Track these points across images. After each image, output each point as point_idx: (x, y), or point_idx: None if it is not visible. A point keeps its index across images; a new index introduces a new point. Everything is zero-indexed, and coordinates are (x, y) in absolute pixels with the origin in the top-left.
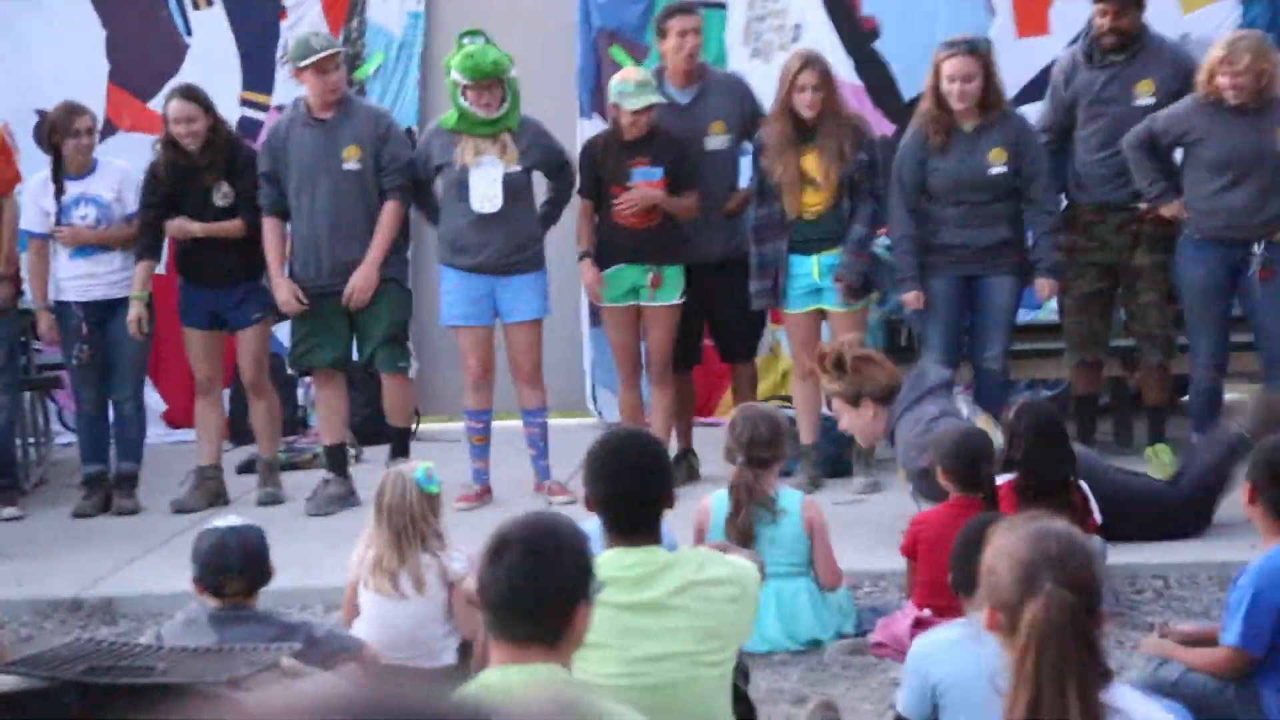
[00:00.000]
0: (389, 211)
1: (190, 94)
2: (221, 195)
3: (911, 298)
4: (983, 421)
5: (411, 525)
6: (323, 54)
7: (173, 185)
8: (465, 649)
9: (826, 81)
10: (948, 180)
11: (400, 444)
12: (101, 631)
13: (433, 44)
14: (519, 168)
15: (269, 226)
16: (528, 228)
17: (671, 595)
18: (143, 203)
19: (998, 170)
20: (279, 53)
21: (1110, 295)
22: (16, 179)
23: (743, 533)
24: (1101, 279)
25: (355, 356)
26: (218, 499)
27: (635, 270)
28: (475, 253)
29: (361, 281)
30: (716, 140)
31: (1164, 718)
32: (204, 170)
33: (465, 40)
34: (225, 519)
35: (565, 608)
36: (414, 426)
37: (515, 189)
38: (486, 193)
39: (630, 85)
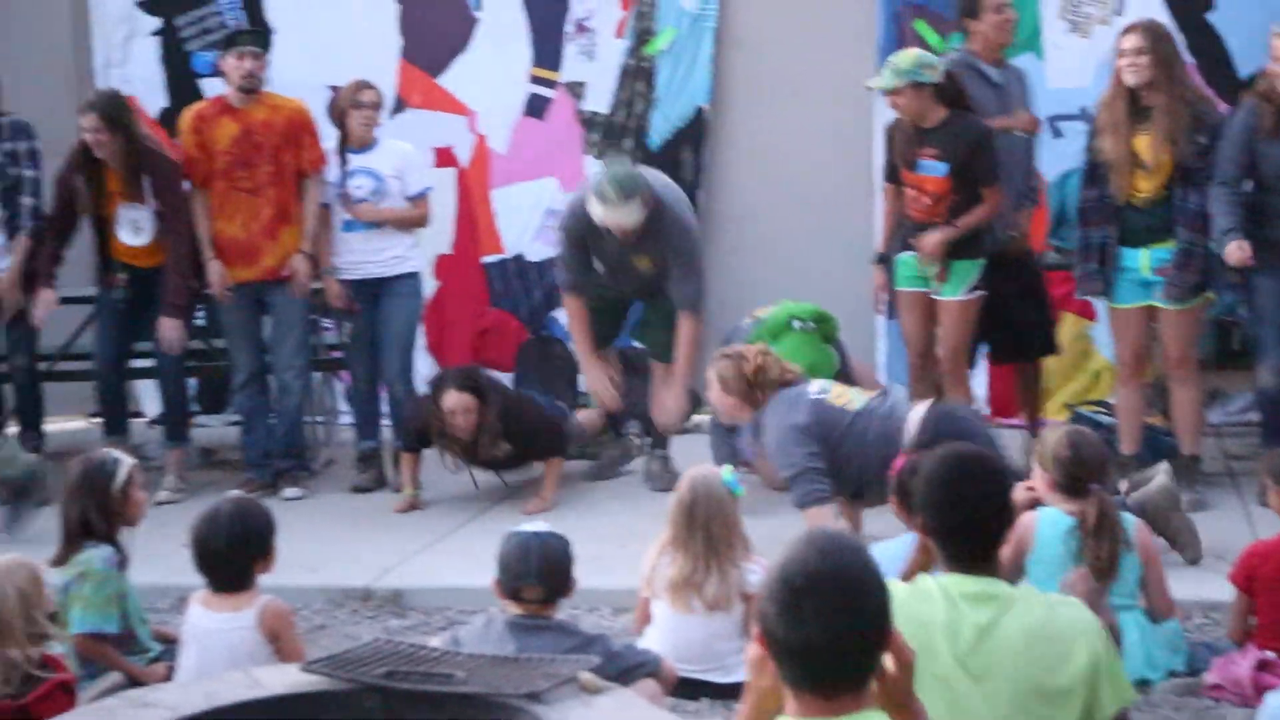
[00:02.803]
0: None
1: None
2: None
3: (1234, 248)
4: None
5: (725, 535)
6: None
7: None
8: None
9: (1157, 48)
10: (1278, 167)
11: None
12: (391, 624)
13: (728, 19)
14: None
15: None
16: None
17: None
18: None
19: None
20: (568, 28)
21: None
22: (322, 160)
23: (1108, 570)
24: None
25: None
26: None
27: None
28: None
29: None
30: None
31: None
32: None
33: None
34: (533, 523)
35: (874, 650)
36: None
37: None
38: None
39: (885, 65)
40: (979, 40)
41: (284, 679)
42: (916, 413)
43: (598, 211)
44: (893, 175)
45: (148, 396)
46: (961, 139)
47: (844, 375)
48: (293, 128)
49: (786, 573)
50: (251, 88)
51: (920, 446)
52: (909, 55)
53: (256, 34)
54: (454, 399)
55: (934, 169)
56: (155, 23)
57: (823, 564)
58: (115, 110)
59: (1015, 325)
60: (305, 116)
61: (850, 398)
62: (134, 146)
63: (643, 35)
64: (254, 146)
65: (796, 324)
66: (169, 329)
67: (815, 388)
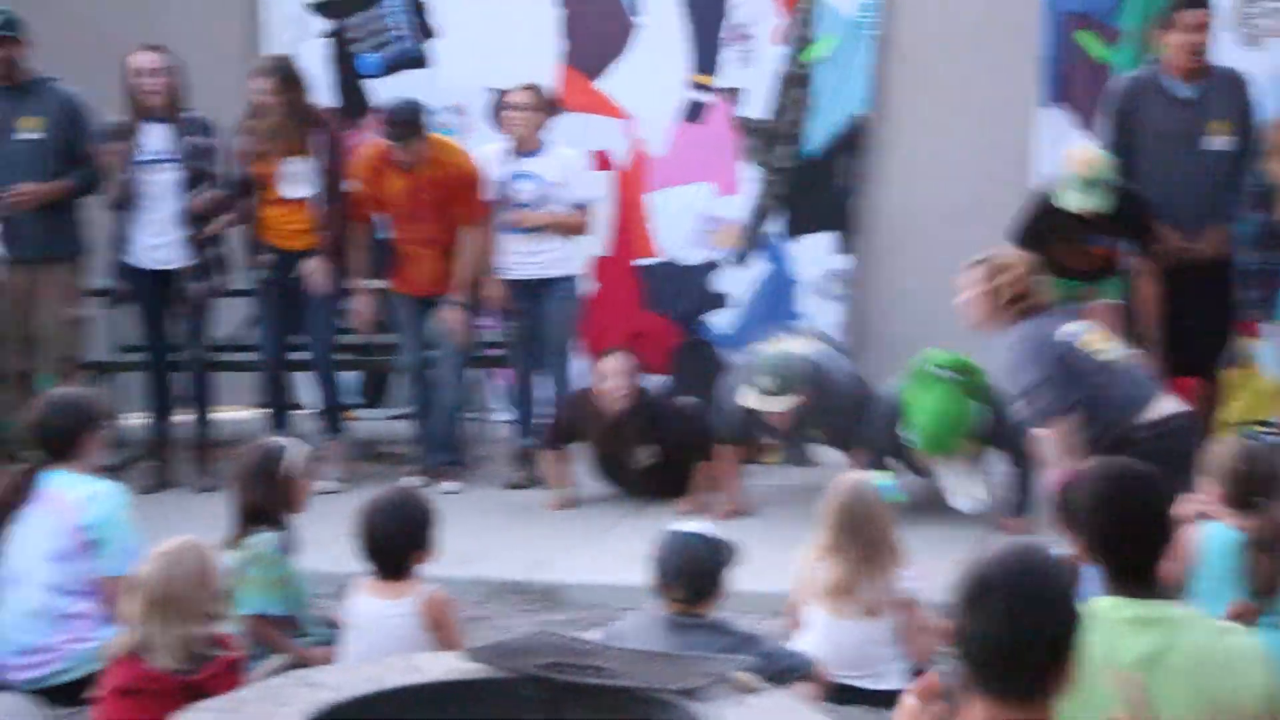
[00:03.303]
0: None
1: None
2: None
3: None
4: None
5: (880, 541)
6: None
7: None
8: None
9: None
10: None
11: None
12: (545, 618)
13: (888, 27)
14: None
15: None
16: None
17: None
18: None
19: None
20: (727, 33)
21: None
22: (481, 215)
23: (1270, 589)
24: None
25: None
26: None
27: (1070, 283)
28: None
29: None
30: (1217, 140)
31: None
32: None
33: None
34: (689, 522)
35: (1056, 659)
36: None
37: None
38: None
39: (1073, 179)
40: (1169, 54)
41: (443, 666)
42: (1171, 402)
43: (751, 400)
44: (1032, 244)
45: (308, 389)
46: (1131, 219)
47: (996, 435)
48: (452, 184)
49: (980, 565)
50: (409, 169)
51: (1150, 432)
52: (1098, 162)
53: (405, 125)
54: (612, 361)
55: (1105, 243)
56: (324, 24)
57: (1015, 563)
58: (288, 71)
59: (1195, 336)
60: (466, 172)
61: (1102, 347)
62: (302, 107)
63: (801, 42)
64: (419, 204)
65: (935, 370)
66: (318, 270)
67: (1070, 328)
